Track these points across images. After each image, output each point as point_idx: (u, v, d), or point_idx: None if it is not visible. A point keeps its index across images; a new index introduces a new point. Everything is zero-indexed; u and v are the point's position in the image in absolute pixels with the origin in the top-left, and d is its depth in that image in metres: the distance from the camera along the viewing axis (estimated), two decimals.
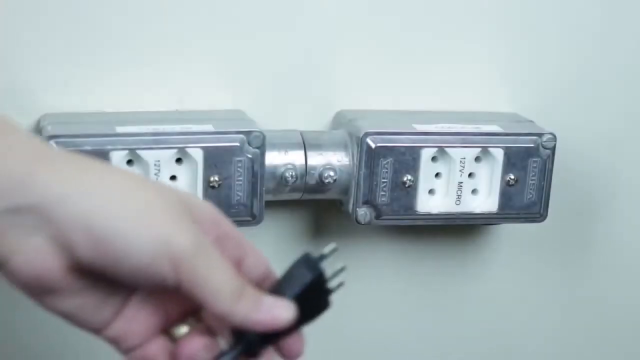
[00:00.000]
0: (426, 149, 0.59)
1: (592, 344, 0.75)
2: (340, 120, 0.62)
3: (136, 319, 0.42)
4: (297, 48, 0.62)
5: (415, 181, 0.59)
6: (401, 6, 0.62)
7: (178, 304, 0.43)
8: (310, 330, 0.69)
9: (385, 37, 0.63)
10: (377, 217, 0.60)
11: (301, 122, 0.62)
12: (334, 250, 0.43)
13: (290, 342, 0.43)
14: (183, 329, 0.42)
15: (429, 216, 0.61)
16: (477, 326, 0.72)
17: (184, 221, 0.40)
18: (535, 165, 0.61)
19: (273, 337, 0.41)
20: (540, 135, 0.61)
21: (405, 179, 0.59)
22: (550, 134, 0.61)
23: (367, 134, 0.58)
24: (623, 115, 0.69)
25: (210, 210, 0.43)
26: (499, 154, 0.60)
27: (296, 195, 0.60)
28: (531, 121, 0.64)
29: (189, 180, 0.57)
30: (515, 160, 0.61)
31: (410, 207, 0.60)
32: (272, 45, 0.61)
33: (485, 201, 0.61)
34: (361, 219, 0.60)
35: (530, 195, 0.62)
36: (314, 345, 0.66)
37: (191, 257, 0.39)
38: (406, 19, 0.63)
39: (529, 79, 0.66)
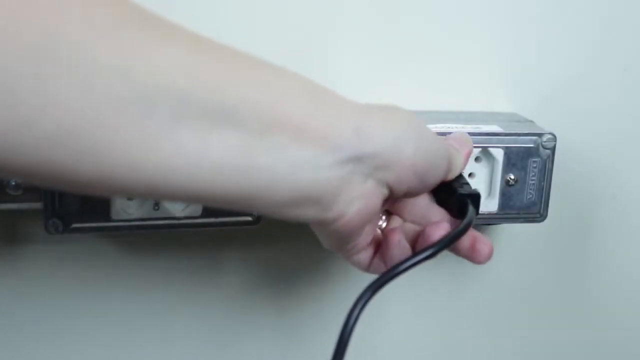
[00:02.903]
0: None
1: (591, 344, 0.75)
2: None
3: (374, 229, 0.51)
4: (297, 48, 0.61)
5: None
6: (401, 6, 0.62)
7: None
8: (307, 327, 0.69)
9: (385, 37, 0.63)
10: None
11: None
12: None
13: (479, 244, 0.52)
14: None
15: None
16: (477, 326, 0.72)
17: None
18: (535, 165, 0.61)
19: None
20: (540, 135, 0.61)
21: None
22: (550, 134, 0.61)
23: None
24: (623, 115, 0.69)
25: None
26: (499, 154, 0.60)
27: None
28: (531, 121, 0.64)
29: None
30: (515, 160, 0.61)
31: None
32: (272, 45, 0.61)
33: (485, 201, 0.61)
34: None
35: (530, 195, 0.62)
36: (310, 343, 0.66)
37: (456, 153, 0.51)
38: (406, 19, 0.63)
39: (529, 79, 0.66)
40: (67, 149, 0.35)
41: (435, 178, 0.48)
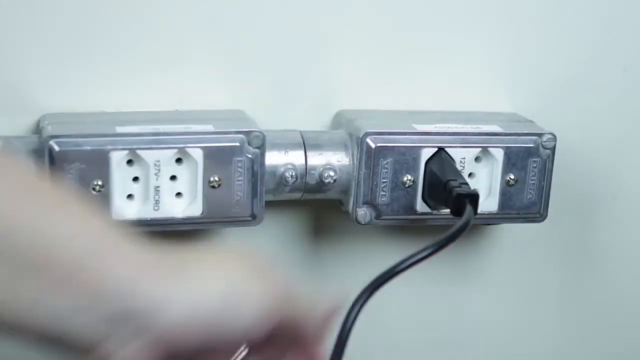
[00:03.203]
0: (426, 149, 0.59)
1: (591, 344, 0.75)
2: (340, 120, 0.62)
3: None
4: (297, 48, 0.62)
5: (415, 181, 0.59)
6: (401, 6, 0.62)
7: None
8: None
9: (385, 37, 0.63)
10: (377, 217, 0.60)
11: (301, 122, 0.62)
12: None
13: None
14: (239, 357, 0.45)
15: (429, 216, 0.61)
16: (477, 326, 0.72)
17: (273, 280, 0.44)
18: (535, 165, 0.61)
19: None
20: (540, 135, 0.61)
21: (405, 179, 0.59)
22: (550, 134, 0.61)
23: (367, 134, 0.58)
24: (623, 115, 0.69)
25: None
26: (499, 154, 0.60)
27: (296, 195, 0.60)
28: (531, 121, 0.64)
29: (189, 180, 0.57)
30: (515, 160, 0.61)
31: (410, 207, 0.60)
32: (272, 45, 0.61)
33: (485, 201, 0.61)
34: (361, 219, 0.60)
35: (530, 195, 0.62)
36: None
37: (290, 301, 0.44)
38: (406, 19, 0.63)
39: (529, 79, 0.66)
40: None
41: (236, 333, 0.42)
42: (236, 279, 0.43)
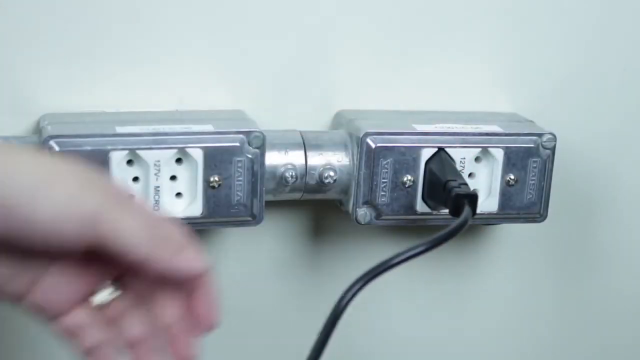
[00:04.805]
0: (426, 149, 0.59)
1: (591, 344, 0.75)
2: (340, 120, 0.62)
3: (55, 288, 0.43)
4: (297, 48, 0.62)
5: (415, 181, 0.59)
6: (401, 6, 0.62)
7: (98, 271, 0.44)
8: (311, 330, 0.69)
9: (385, 37, 0.63)
10: (377, 217, 0.60)
11: (301, 122, 0.62)
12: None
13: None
14: (104, 295, 0.45)
15: (428, 216, 0.61)
16: (477, 326, 0.72)
17: (89, 181, 0.41)
18: (535, 165, 0.61)
19: None
20: (540, 135, 0.61)
21: (405, 179, 0.59)
22: (550, 134, 0.61)
23: (367, 134, 0.58)
24: (623, 115, 0.69)
25: None
26: (499, 154, 0.60)
27: (296, 195, 0.61)
28: (531, 121, 0.64)
29: (189, 180, 0.57)
30: (515, 160, 0.61)
31: (410, 207, 0.60)
32: (272, 45, 0.61)
33: (485, 201, 0.61)
34: (361, 219, 0.60)
35: (530, 195, 0.62)
36: (301, 338, 0.66)
37: (103, 212, 0.40)
38: (406, 19, 0.63)
39: (529, 79, 0.66)
40: None
41: (36, 228, 0.39)
42: (41, 170, 0.40)
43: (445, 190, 0.55)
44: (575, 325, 0.74)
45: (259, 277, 0.67)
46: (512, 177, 0.61)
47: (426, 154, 0.59)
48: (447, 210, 0.57)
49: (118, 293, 0.45)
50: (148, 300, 0.45)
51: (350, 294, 0.48)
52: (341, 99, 0.63)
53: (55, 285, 0.44)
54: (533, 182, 0.61)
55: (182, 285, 0.44)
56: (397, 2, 0.62)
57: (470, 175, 0.61)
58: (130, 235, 0.41)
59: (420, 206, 0.60)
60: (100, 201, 0.40)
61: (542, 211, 0.62)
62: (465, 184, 0.56)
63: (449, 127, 0.60)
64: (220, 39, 0.60)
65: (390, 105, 0.64)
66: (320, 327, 0.49)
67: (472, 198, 0.53)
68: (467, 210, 0.52)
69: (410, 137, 0.59)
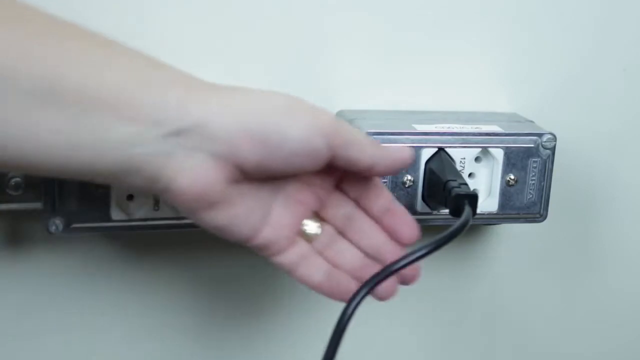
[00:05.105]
0: (426, 149, 0.59)
1: (591, 344, 0.75)
2: None
3: (280, 221, 0.48)
4: (297, 48, 0.62)
5: (415, 181, 0.59)
6: (401, 6, 0.62)
7: (310, 198, 0.49)
8: (308, 330, 0.69)
9: (385, 37, 0.63)
10: None
11: None
12: None
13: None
14: (313, 228, 0.50)
15: (429, 216, 0.61)
16: (477, 326, 0.72)
17: (312, 106, 0.46)
18: (535, 165, 0.61)
19: None
20: (540, 135, 0.61)
21: (405, 179, 0.59)
22: (550, 134, 0.61)
23: (367, 134, 0.58)
24: (623, 115, 0.69)
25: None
26: (499, 154, 0.60)
27: None
28: (531, 121, 0.64)
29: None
30: (515, 160, 0.61)
31: (409, 207, 0.60)
32: (272, 46, 0.61)
33: (485, 201, 0.61)
34: None
35: (530, 195, 0.62)
36: (311, 345, 0.66)
37: (338, 127, 0.46)
38: (406, 19, 0.63)
39: (529, 79, 0.66)
40: None
41: (290, 147, 0.45)
42: (281, 101, 0.46)
43: (445, 190, 0.55)
44: (576, 325, 0.74)
45: (260, 277, 0.66)
46: (512, 177, 0.61)
47: (426, 154, 0.59)
48: (447, 211, 0.57)
49: (321, 226, 0.50)
50: (348, 230, 0.50)
51: (356, 300, 0.48)
52: (341, 99, 0.63)
53: (280, 218, 0.48)
54: (533, 182, 0.61)
55: (381, 206, 0.50)
56: (398, 2, 0.62)
57: (470, 175, 0.61)
58: (360, 142, 0.47)
59: (421, 206, 0.60)
60: (333, 117, 0.46)
61: (542, 211, 0.62)
62: (465, 184, 0.56)
63: (449, 127, 0.60)
64: (219, 39, 0.60)
65: (390, 105, 0.64)
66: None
67: (472, 198, 0.53)
68: (467, 210, 0.52)
69: (410, 137, 0.59)
